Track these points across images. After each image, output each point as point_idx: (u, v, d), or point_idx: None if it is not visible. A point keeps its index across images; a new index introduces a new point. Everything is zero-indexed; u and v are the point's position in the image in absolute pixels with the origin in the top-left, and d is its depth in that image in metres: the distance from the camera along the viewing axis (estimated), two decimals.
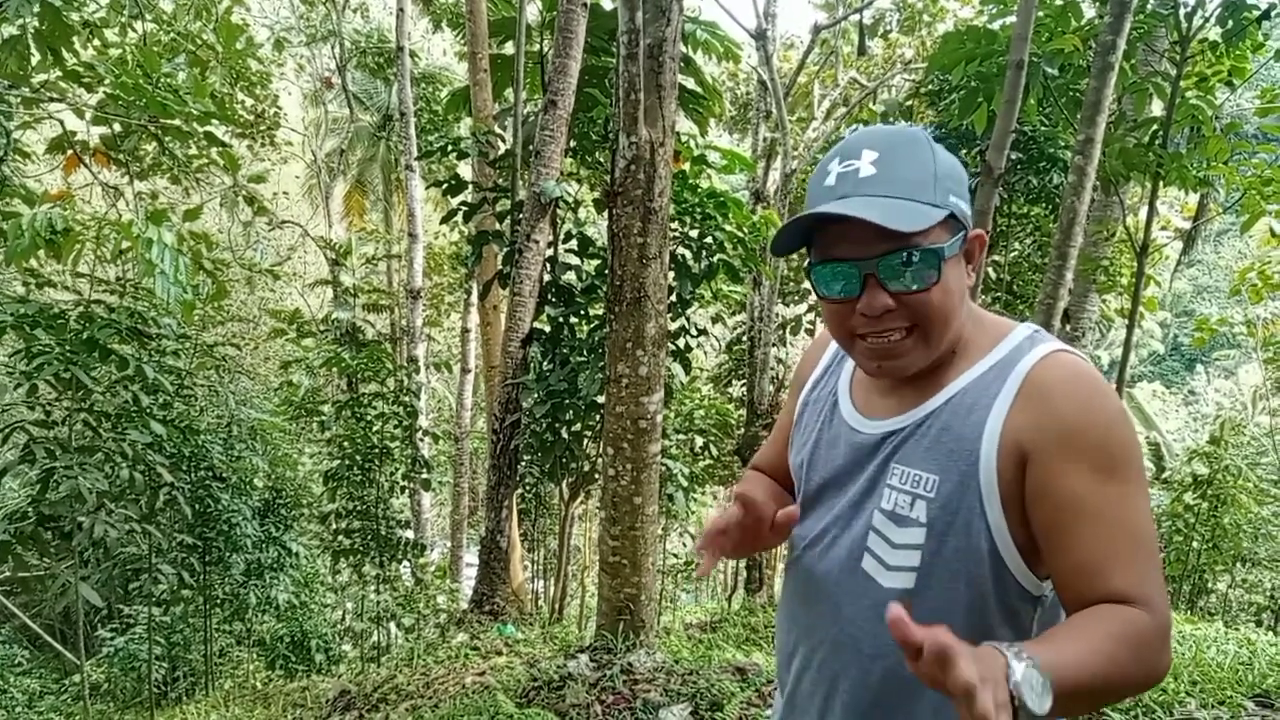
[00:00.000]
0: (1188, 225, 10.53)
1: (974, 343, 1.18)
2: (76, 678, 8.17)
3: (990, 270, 8.32)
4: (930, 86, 9.41)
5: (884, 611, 1.02)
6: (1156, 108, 6.18)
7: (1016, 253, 8.96)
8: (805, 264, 1.18)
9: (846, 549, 1.19)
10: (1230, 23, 5.20)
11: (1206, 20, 5.33)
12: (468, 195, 7.58)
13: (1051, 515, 1.03)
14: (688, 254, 6.44)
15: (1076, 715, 0.94)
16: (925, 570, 1.10)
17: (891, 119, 11.11)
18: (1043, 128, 7.81)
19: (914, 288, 1.08)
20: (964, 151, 9.00)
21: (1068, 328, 6.71)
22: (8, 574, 9.01)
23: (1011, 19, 5.57)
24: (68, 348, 5.02)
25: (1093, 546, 1.01)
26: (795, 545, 1.31)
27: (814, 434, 1.31)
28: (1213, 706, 3.15)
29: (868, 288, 1.09)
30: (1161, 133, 5.43)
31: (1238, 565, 8.35)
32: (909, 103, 10.96)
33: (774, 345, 11.20)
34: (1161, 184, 5.66)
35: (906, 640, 0.83)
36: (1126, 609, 0.98)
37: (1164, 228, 10.39)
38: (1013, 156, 5.04)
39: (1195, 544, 8.05)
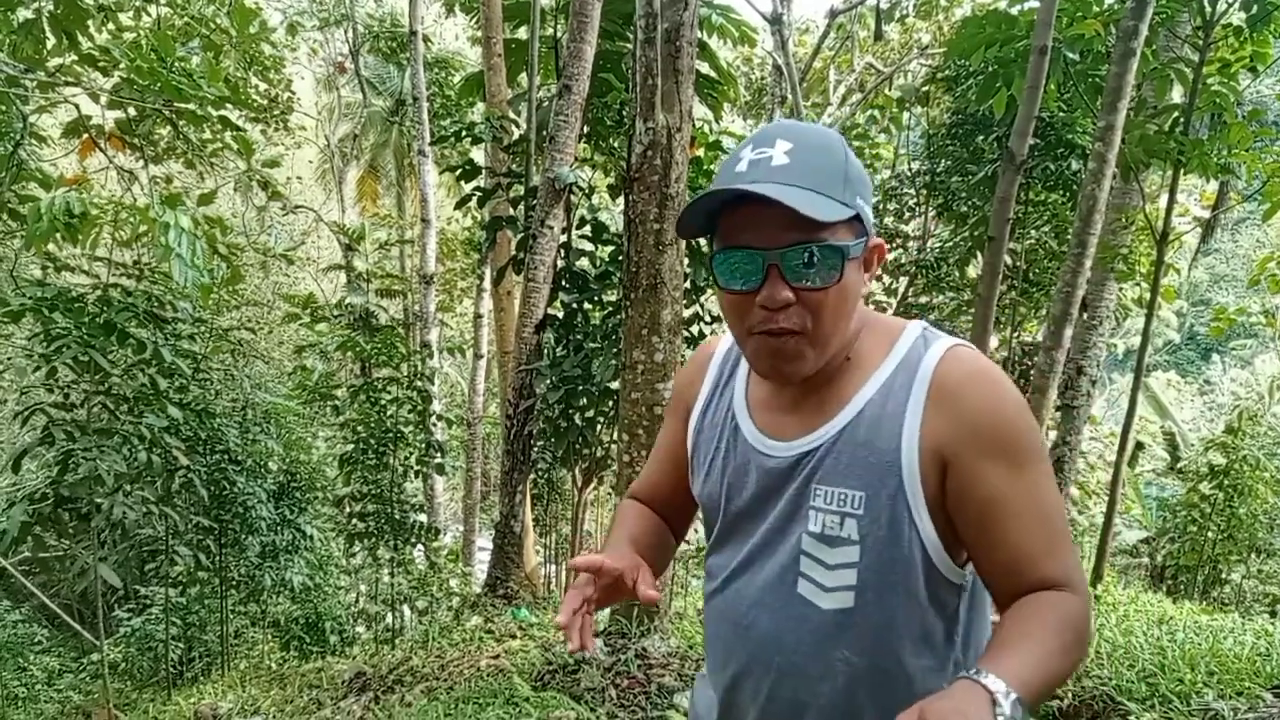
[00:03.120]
0: (1206, 213, 10.42)
1: (868, 348, 1.17)
2: (95, 656, 8.27)
3: (1007, 257, 8.25)
4: (947, 72, 9.32)
5: (824, 634, 1.13)
6: (1177, 94, 6.10)
7: (1033, 240, 8.88)
8: (708, 253, 1.15)
9: (778, 575, 1.17)
10: (1255, 8, 5.13)
11: (1230, 5, 5.26)
12: (481, 181, 7.57)
13: (976, 514, 1.07)
14: (702, 240, 6.42)
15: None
16: (862, 586, 1.11)
17: (908, 104, 11.02)
18: (1061, 114, 7.72)
19: (815, 284, 1.06)
20: (981, 138, 8.92)
21: (1085, 316, 6.66)
22: (27, 554, 9.12)
23: (1032, 3, 5.51)
24: (86, 331, 5.05)
25: (1019, 540, 1.05)
26: (714, 574, 1.29)
27: (719, 462, 1.26)
28: (1231, 697, 3.14)
29: (769, 279, 1.06)
30: (1183, 119, 5.36)
31: (1253, 556, 8.31)
32: (925, 88, 10.85)
33: None
34: (1182, 171, 5.59)
35: None
36: (1058, 596, 1.04)
37: (1182, 215, 10.29)
38: (1031, 143, 4.99)
39: (1210, 534, 8.01)
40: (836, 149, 1.11)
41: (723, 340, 1.36)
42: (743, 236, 1.08)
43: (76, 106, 6.13)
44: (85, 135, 6.45)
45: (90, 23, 5.61)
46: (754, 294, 1.08)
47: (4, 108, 5.41)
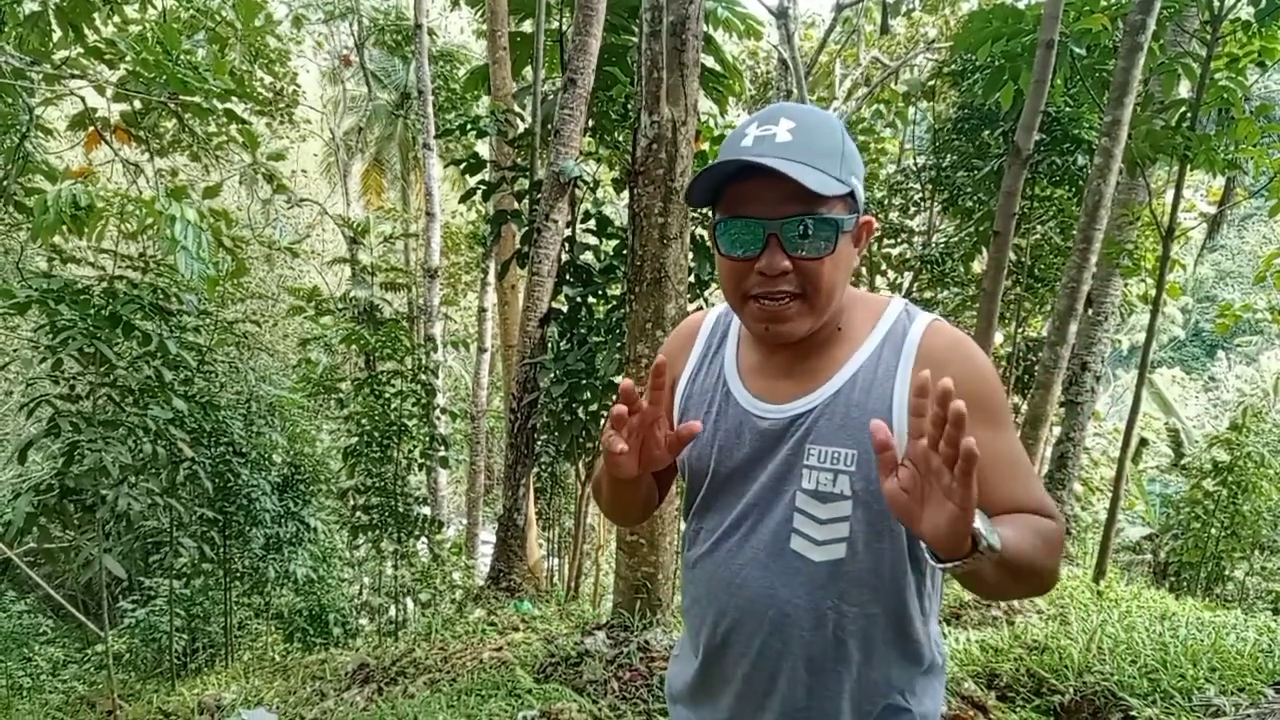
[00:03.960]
0: (1213, 209, 10.39)
1: (857, 321, 1.26)
2: (99, 647, 8.31)
3: (1012, 253, 8.26)
4: (953, 66, 9.29)
5: (816, 585, 1.19)
6: (1184, 89, 6.08)
7: (1038, 235, 8.86)
8: (711, 222, 1.22)
9: (771, 532, 1.23)
10: (1263, 2, 5.10)
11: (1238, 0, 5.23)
12: (486, 174, 7.57)
13: None
14: (707, 235, 6.41)
15: (1005, 592, 1.11)
16: (854, 538, 1.18)
17: (914, 99, 10.99)
18: (1068, 109, 7.70)
19: (811, 254, 1.14)
20: (986, 133, 8.89)
21: (1090, 311, 6.65)
22: (33, 545, 9.15)
23: None
24: (91, 323, 5.06)
25: (1002, 486, 1.15)
26: (699, 539, 1.33)
27: (709, 425, 1.31)
28: (1232, 693, 3.14)
29: (768, 248, 1.14)
30: (1190, 114, 5.34)
31: (1256, 552, 8.29)
32: (932, 82, 10.82)
33: None
34: (1188, 167, 5.57)
35: (890, 455, 0.96)
36: (1036, 517, 1.14)
37: (1188, 211, 10.26)
38: (1037, 138, 4.97)
39: (1214, 531, 8.00)
40: (835, 130, 1.18)
41: (708, 315, 1.43)
42: (746, 207, 1.15)
43: (82, 99, 6.13)
44: (91, 128, 6.45)
45: (96, 15, 5.60)
46: (753, 261, 1.16)
47: (10, 100, 5.41)
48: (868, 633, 1.21)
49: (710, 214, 1.23)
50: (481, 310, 13.57)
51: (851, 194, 1.17)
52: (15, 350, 10.75)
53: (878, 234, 9.94)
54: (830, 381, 1.22)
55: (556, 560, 10.79)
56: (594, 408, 6.62)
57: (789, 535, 1.21)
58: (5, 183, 5.67)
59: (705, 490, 1.32)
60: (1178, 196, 5.57)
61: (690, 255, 4.48)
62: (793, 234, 1.13)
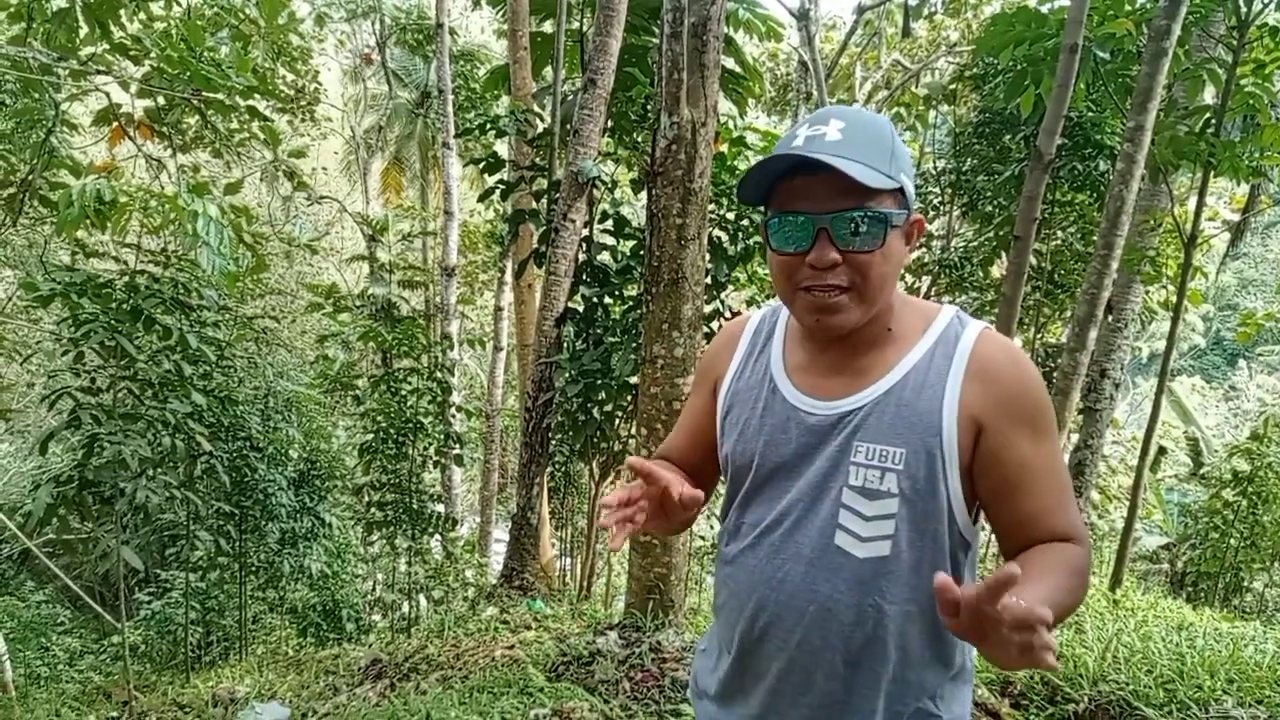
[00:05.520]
0: (1236, 217, 10.28)
1: (907, 324, 1.27)
2: (116, 638, 8.39)
3: (1032, 258, 8.19)
4: (975, 70, 9.24)
5: (859, 581, 1.21)
6: (1209, 95, 6.01)
7: (1059, 241, 8.79)
8: (762, 219, 1.26)
9: (817, 528, 1.23)
10: None
11: (1266, 5, 5.17)
12: (505, 173, 7.58)
13: (1004, 475, 1.19)
14: (724, 236, 6.41)
15: None
16: (898, 536, 1.19)
17: (935, 102, 10.94)
18: (1090, 113, 7.64)
19: (860, 248, 1.17)
20: (1007, 137, 8.84)
21: (1110, 318, 6.59)
22: (52, 536, 9.25)
23: (1062, 1, 5.46)
24: (113, 317, 5.11)
25: (1038, 498, 1.19)
26: (741, 534, 1.34)
27: (755, 420, 1.32)
28: (1250, 705, 3.11)
29: (818, 242, 1.17)
30: (1214, 121, 5.28)
31: (1275, 564, 8.20)
32: (953, 86, 10.76)
33: None
34: (1212, 174, 5.51)
35: (954, 602, 0.92)
36: (1069, 546, 1.17)
37: (1211, 219, 10.16)
38: (1059, 142, 4.92)
39: (1232, 541, 7.91)
40: (885, 129, 1.21)
41: (751, 316, 1.44)
42: (796, 203, 1.18)
43: (107, 95, 6.19)
44: (115, 123, 6.51)
45: (122, 12, 5.66)
46: (804, 255, 1.19)
47: (37, 96, 5.48)
48: (906, 631, 1.22)
49: (762, 214, 1.25)
50: (498, 309, 13.61)
51: (901, 190, 1.19)
52: (38, 342, 10.87)
53: None
54: (881, 380, 1.23)
55: (569, 559, 10.80)
56: (609, 408, 6.63)
57: (834, 531, 1.22)
58: (31, 177, 5.74)
59: (749, 485, 1.33)
60: (1201, 203, 5.52)
61: (707, 256, 4.48)
62: (842, 228, 1.16)
